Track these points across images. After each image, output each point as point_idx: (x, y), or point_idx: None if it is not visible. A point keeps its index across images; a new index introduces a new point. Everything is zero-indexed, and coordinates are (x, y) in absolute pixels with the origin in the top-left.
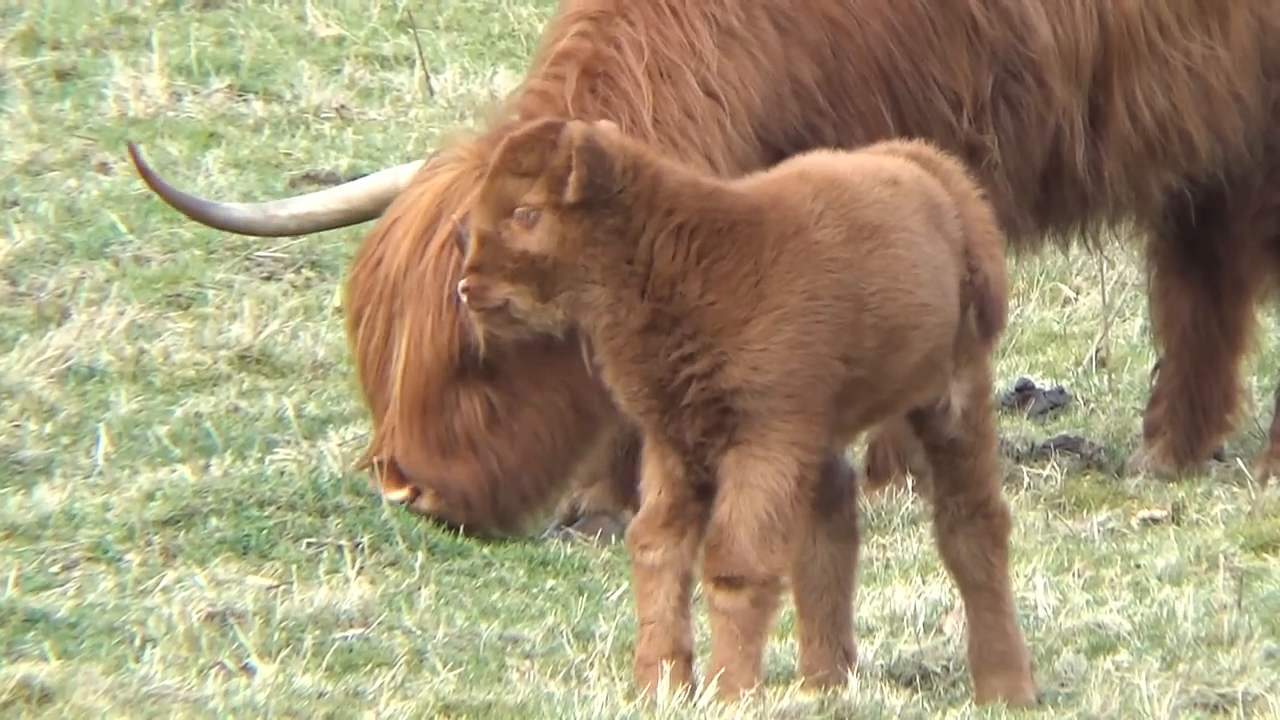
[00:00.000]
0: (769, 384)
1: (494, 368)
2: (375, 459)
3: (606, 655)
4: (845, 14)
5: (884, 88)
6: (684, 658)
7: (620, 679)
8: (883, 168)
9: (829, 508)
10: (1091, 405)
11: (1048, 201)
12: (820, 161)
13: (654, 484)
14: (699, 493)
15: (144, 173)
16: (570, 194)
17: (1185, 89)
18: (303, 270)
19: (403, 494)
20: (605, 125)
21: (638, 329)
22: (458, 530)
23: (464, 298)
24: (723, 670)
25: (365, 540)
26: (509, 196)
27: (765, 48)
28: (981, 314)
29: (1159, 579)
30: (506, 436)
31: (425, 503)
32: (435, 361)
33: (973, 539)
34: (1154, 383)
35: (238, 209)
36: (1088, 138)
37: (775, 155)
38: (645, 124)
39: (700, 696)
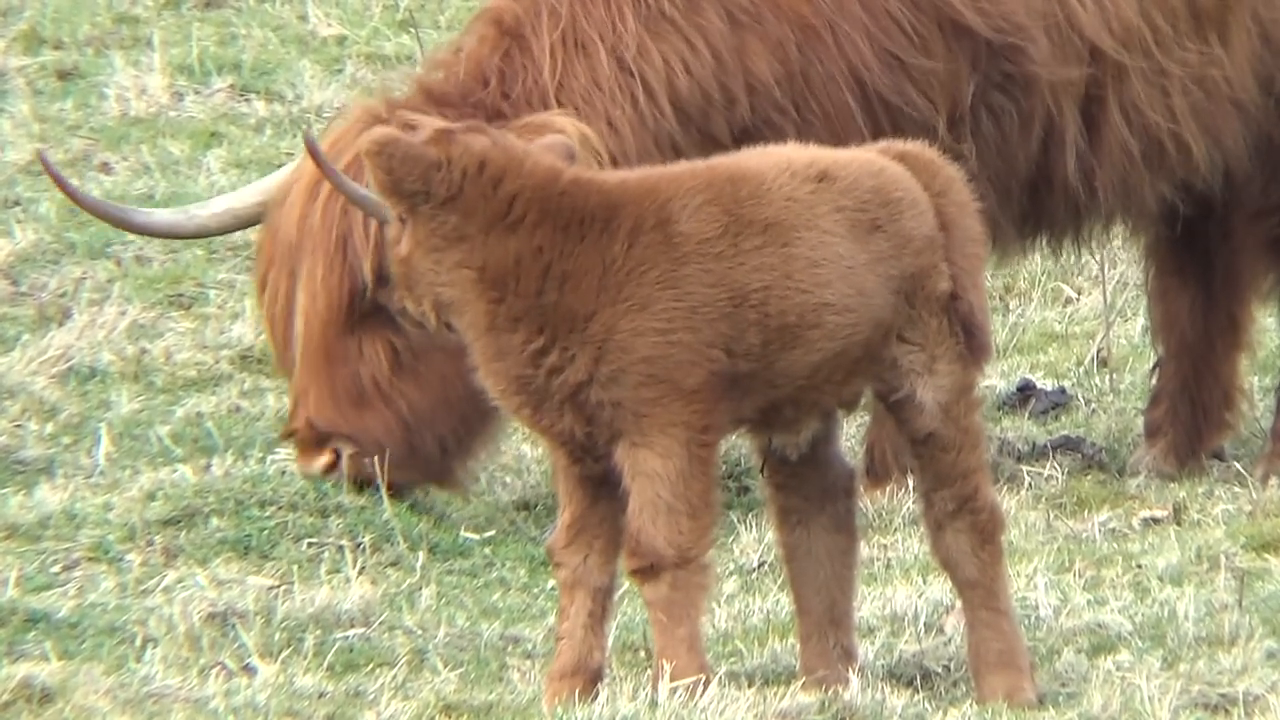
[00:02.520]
0: (617, 374)
1: (391, 308)
2: (292, 429)
3: (606, 655)
4: (815, 13)
5: (855, 90)
6: (588, 675)
7: (620, 678)
8: (814, 163)
9: (823, 501)
10: (1093, 405)
11: (1036, 209)
12: (743, 155)
13: (562, 499)
14: (601, 497)
15: (59, 182)
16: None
17: (1182, 99)
18: None
19: (324, 461)
20: (467, 125)
21: (484, 329)
22: (457, 530)
23: None
24: (663, 660)
25: (366, 540)
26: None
27: (707, 37)
28: (969, 341)
29: (1160, 579)
30: (414, 380)
31: (345, 466)
32: (329, 308)
33: (961, 535)
34: (1153, 382)
35: (159, 214)
36: (1080, 147)
37: (717, 146)
38: (547, 88)
39: (702, 696)
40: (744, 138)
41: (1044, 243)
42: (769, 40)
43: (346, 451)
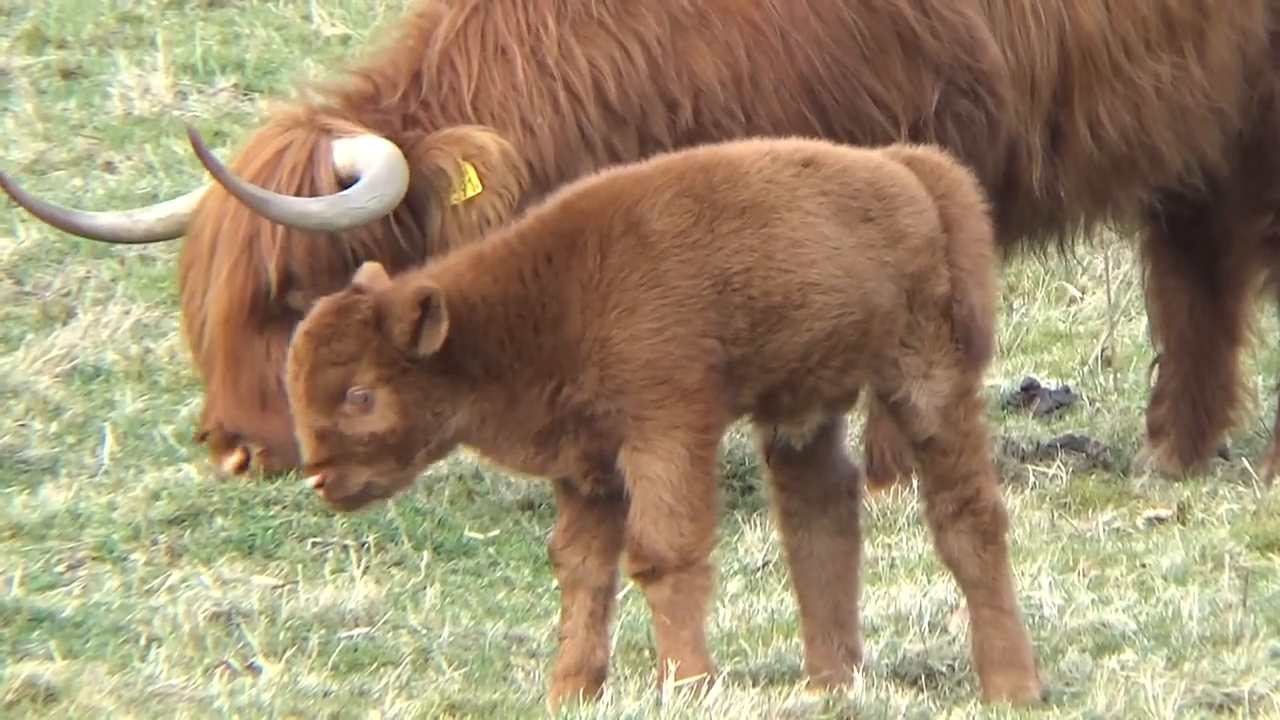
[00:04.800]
0: (623, 383)
1: (302, 312)
2: (205, 430)
3: (610, 654)
4: (765, 19)
5: (807, 96)
6: (591, 674)
7: (625, 677)
8: (800, 150)
9: (825, 502)
10: (1097, 404)
11: (1006, 215)
12: (725, 145)
13: (559, 500)
14: (601, 500)
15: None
16: (434, 345)
17: (1154, 109)
18: None
19: (235, 460)
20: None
21: (505, 409)
22: (461, 530)
23: (320, 495)
24: (668, 661)
25: (370, 539)
26: (335, 386)
27: (642, 39)
28: (967, 344)
29: (1164, 578)
30: None
31: (254, 463)
32: (231, 308)
33: (963, 536)
34: (1154, 380)
35: (103, 217)
36: (1045, 156)
37: (659, 148)
38: (463, 93)
39: (707, 696)
40: (689, 141)
41: (1024, 247)
42: (716, 44)
43: (255, 450)
